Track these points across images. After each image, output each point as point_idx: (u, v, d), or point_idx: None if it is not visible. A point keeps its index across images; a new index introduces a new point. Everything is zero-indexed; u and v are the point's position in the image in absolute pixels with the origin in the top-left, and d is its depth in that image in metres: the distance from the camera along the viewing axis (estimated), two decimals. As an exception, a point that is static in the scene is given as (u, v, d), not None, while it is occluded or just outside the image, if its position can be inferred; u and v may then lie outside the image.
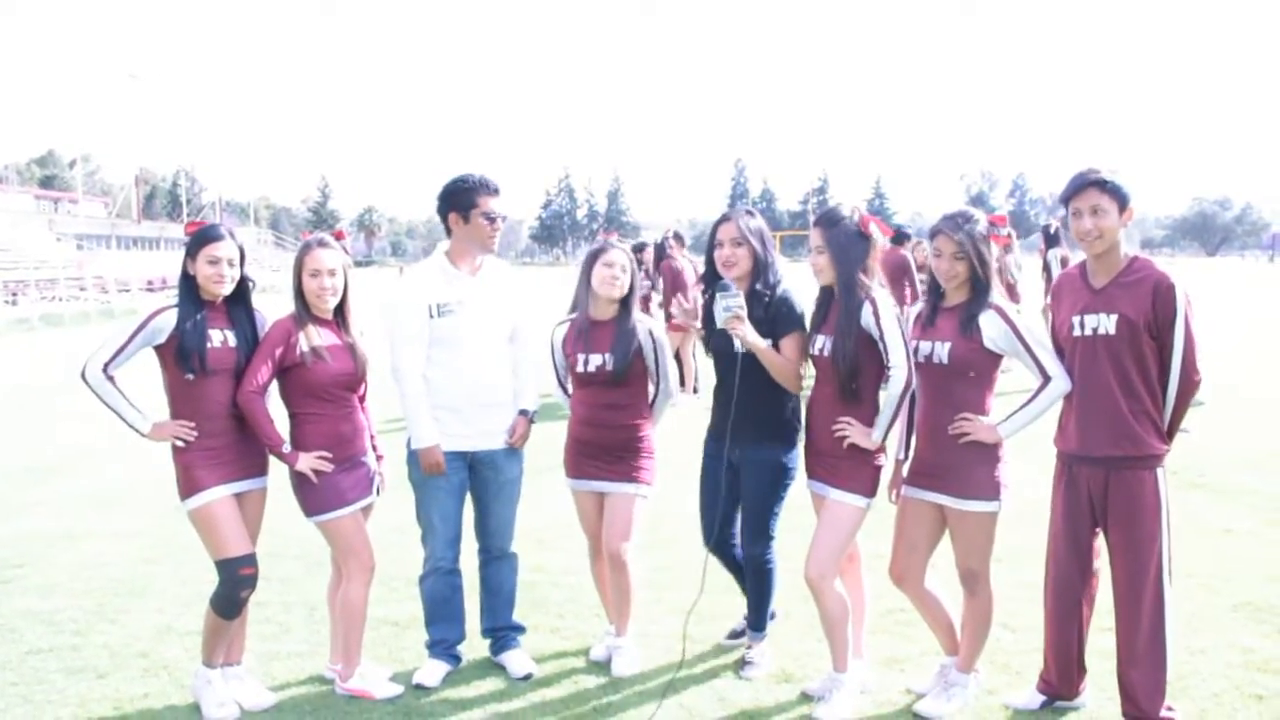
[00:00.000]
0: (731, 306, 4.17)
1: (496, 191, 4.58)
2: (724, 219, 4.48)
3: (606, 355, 4.58)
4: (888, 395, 4.04)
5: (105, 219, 76.41)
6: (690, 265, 12.89)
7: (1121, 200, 3.83)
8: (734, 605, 4.78)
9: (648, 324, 4.74)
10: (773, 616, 4.92)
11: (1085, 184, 3.86)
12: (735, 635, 4.88)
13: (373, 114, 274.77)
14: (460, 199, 4.54)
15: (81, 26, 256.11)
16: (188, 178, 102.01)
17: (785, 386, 4.35)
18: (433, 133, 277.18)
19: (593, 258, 4.67)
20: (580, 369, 4.62)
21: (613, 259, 4.63)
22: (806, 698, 4.37)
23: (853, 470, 4.18)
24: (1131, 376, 3.84)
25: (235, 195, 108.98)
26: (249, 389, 4.21)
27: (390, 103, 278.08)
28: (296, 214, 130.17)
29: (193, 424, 4.17)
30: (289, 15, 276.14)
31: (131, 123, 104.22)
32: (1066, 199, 3.93)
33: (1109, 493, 3.90)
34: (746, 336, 4.21)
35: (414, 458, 4.57)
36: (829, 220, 4.21)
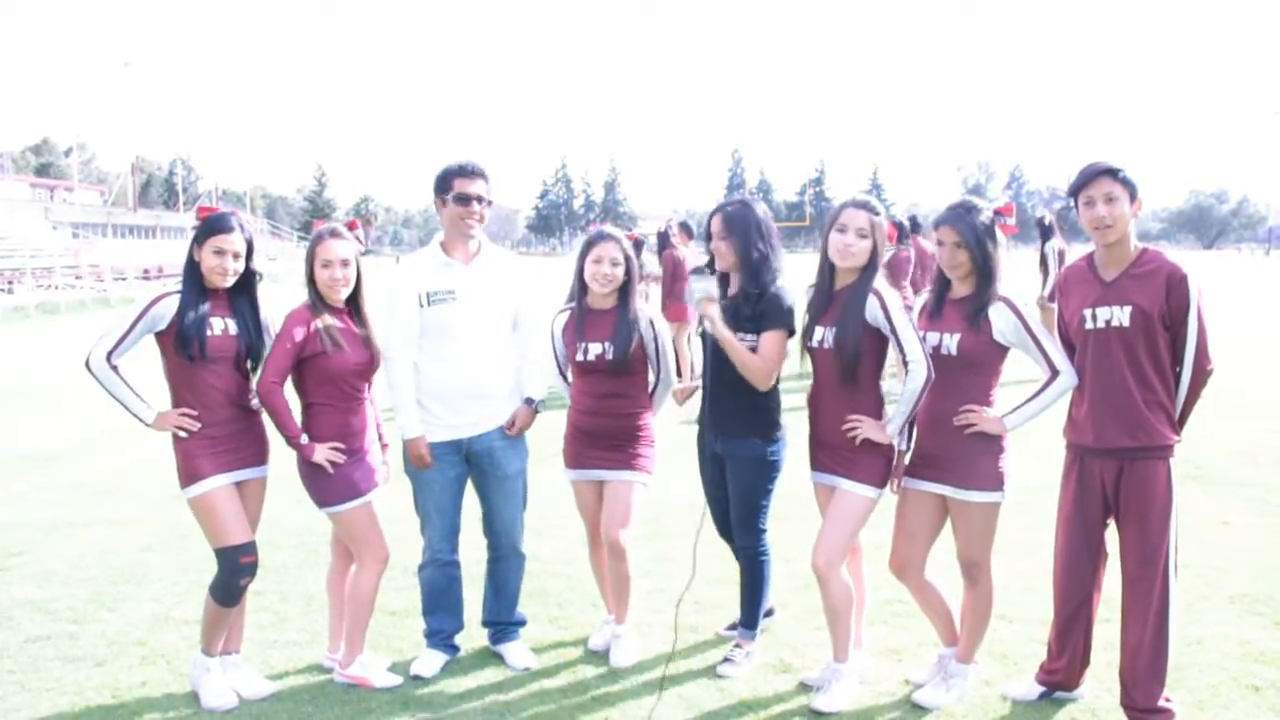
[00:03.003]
0: (705, 289, 4.16)
1: (474, 173, 4.47)
2: (714, 211, 4.45)
3: (606, 344, 4.56)
4: (907, 390, 4.02)
5: (101, 207, 76.17)
6: (692, 255, 12.87)
7: (1132, 190, 3.84)
8: (733, 596, 4.78)
9: (649, 313, 4.72)
10: (770, 613, 4.92)
11: (1098, 172, 3.86)
12: (734, 626, 4.88)
13: (369, 103, 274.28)
14: (439, 183, 4.50)
15: (76, 14, 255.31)
16: (184, 166, 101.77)
17: (752, 382, 4.28)
18: (430, 122, 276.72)
19: (586, 248, 4.65)
20: (580, 358, 4.60)
21: (601, 253, 4.57)
22: (805, 687, 4.37)
23: (865, 462, 4.17)
24: (1145, 367, 3.84)
25: (231, 184, 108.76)
26: (269, 379, 4.20)
27: (387, 92, 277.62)
28: (292, 203, 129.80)
29: (196, 413, 4.16)
30: (285, 3, 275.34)
31: (127, 111, 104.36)
32: (1077, 189, 3.92)
33: (1122, 484, 3.90)
34: (715, 321, 4.18)
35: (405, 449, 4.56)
36: (872, 208, 4.18)
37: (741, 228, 4.32)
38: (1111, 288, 3.89)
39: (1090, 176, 3.87)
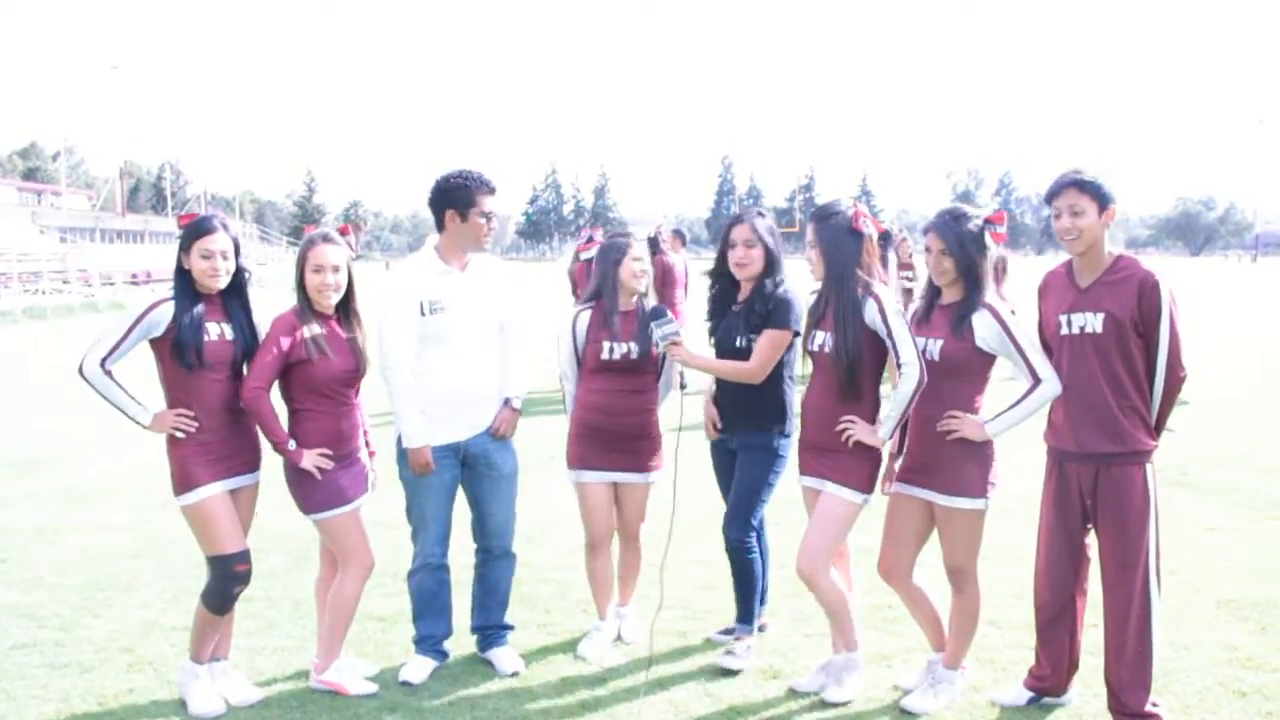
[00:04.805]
0: (669, 334, 4.32)
1: (494, 191, 4.59)
2: (738, 220, 4.57)
3: (632, 344, 4.70)
4: (900, 393, 4.05)
5: (89, 212, 75.94)
6: (682, 262, 12.88)
7: (1102, 200, 3.88)
8: (723, 601, 4.78)
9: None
10: (762, 629, 4.94)
11: (1065, 185, 3.93)
12: (726, 632, 4.88)
13: (359, 108, 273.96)
14: (460, 196, 4.50)
15: (64, 17, 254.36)
16: (172, 170, 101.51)
17: (747, 381, 4.44)
18: (419, 127, 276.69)
19: (620, 252, 4.77)
20: (606, 355, 4.71)
21: (640, 253, 4.82)
22: (795, 694, 4.37)
23: (851, 466, 4.19)
24: (1119, 373, 3.87)
25: (220, 189, 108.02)
26: (254, 385, 4.18)
27: (376, 96, 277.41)
28: (281, 208, 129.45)
29: (192, 413, 4.15)
30: (275, 6, 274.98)
31: (116, 115, 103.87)
32: (1049, 199, 4.01)
33: (1099, 489, 3.93)
34: (687, 359, 4.40)
35: (404, 456, 4.54)
36: (821, 215, 4.28)
37: (770, 233, 4.51)
38: (1086, 294, 3.93)
39: (1058, 188, 3.94)
